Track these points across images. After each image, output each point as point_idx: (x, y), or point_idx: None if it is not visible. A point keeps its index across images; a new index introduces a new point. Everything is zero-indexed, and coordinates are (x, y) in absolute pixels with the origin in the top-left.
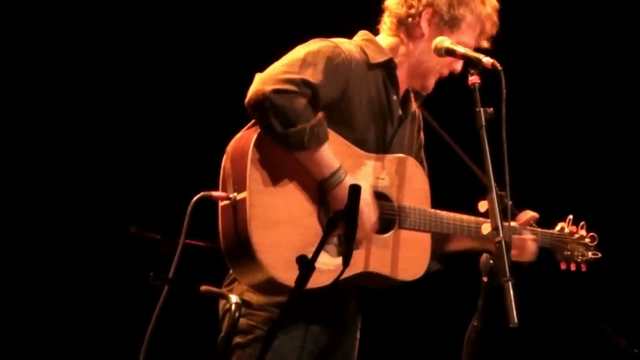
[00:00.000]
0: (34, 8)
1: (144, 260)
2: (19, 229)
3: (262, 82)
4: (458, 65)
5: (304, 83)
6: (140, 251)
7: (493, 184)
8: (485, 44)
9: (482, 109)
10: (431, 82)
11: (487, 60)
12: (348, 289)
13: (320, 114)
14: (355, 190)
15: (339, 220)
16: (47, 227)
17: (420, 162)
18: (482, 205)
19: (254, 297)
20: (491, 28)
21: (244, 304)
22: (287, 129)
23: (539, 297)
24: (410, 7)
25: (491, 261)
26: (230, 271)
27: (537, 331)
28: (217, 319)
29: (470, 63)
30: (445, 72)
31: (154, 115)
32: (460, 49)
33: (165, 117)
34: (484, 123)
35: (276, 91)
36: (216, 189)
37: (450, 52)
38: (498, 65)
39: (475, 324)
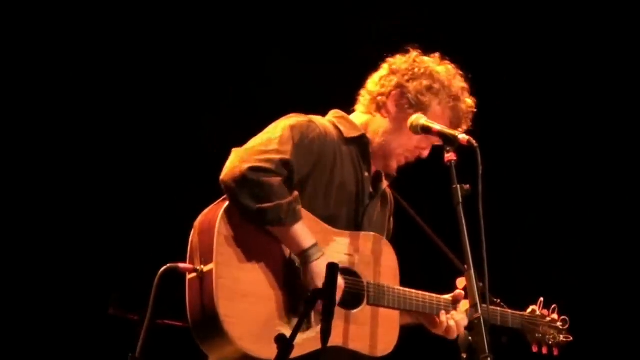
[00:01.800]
0: (33, 8)
1: (123, 341)
2: None
3: (240, 159)
4: (425, 152)
5: (283, 164)
6: (118, 332)
7: (470, 257)
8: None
9: (459, 186)
10: (393, 165)
11: (462, 137)
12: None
13: (295, 193)
14: (332, 268)
15: (318, 298)
16: (27, 306)
17: None
18: (460, 282)
19: None
20: (461, 123)
21: None
22: (262, 204)
23: None
24: (383, 86)
25: (470, 338)
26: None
27: None
28: None
29: (446, 140)
30: (411, 157)
31: (136, 195)
32: (436, 126)
33: (147, 198)
34: (460, 200)
35: (252, 169)
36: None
37: (425, 130)
38: (474, 142)
39: None
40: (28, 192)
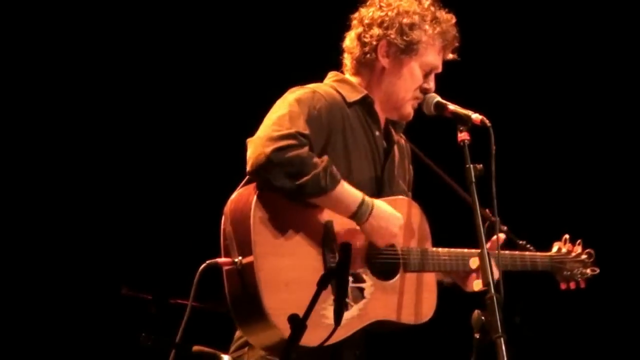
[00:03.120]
0: (34, 8)
1: (136, 321)
2: (11, 291)
3: (261, 145)
4: (430, 84)
5: (300, 134)
6: (131, 311)
7: (483, 238)
8: (451, 56)
9: (472, 166)
10: (408, 110)
11: (476, 117)
12: (358, 337)
13: (325, 157)
14: (345, 248)
15: (331, 278)
16: (40, 286)
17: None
18: (474, 262)
19: None
20: (452, 41)
21: None
22: (301, 179)
23: None
24: (364, 44)
25: (482, 317)
26: (236, 336)
27: None
28: None
29: (459, 120)
30: (420, 95)
31: (145, 178)
32: (450, 106)
33: (156, 181)
34: (474, 179)
35: (277, 149)
36: (208, 251)
37: (439, 109)
38: (487, 121)
39: None
40: (48, 182)
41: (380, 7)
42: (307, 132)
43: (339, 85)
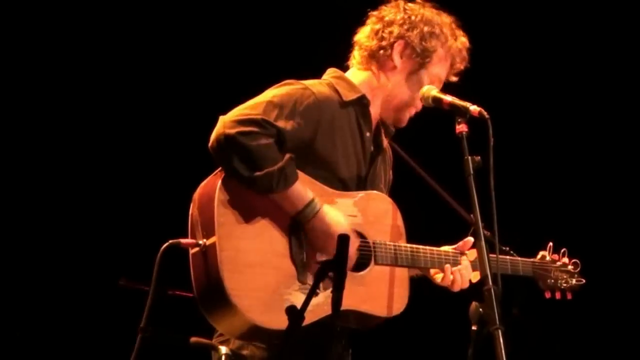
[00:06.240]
0: (34, 8)
1: (134, 312)
2: (9, 284)
3: (223, 125)
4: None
5: (265, 122)
6: (129, 303)
7: (481, 229)
8: (453, 79)
9: (469, 157)
10: (405, 116)
11: (474, 108)
12: (332, 329)
13: (288, 155)
14: (343, 239)
15: (329, 270)
16: (37, 279)
17: None
18: (472, 254)
19: (256, 352)
20: (461, 63)
21: (234, 355)
22: (253, 172)
23: None
24: (382, 39)
25: (480, 309)
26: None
27: None
28: None
29: (457, 112)
30: (420, 105)
31: (145, 170)
32: (448, 98)
33: (156, 172)
34: (472, 171)
35: (239, 133)
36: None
37: (437, 101)
38: (485, 113)
39: None
40: (39, 170)
41: (405, 10)
42: (279, 123)
43: (337, 82)
